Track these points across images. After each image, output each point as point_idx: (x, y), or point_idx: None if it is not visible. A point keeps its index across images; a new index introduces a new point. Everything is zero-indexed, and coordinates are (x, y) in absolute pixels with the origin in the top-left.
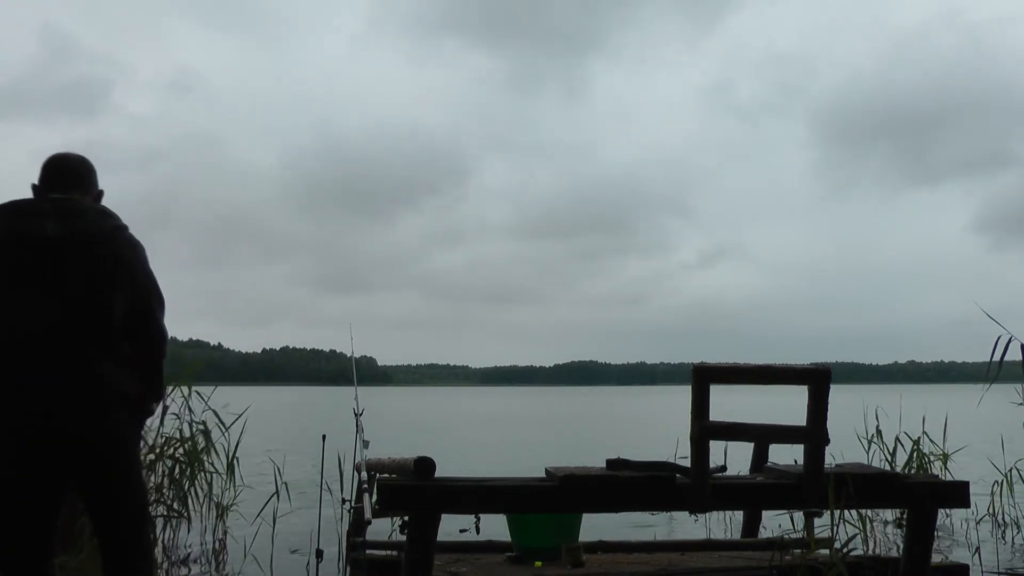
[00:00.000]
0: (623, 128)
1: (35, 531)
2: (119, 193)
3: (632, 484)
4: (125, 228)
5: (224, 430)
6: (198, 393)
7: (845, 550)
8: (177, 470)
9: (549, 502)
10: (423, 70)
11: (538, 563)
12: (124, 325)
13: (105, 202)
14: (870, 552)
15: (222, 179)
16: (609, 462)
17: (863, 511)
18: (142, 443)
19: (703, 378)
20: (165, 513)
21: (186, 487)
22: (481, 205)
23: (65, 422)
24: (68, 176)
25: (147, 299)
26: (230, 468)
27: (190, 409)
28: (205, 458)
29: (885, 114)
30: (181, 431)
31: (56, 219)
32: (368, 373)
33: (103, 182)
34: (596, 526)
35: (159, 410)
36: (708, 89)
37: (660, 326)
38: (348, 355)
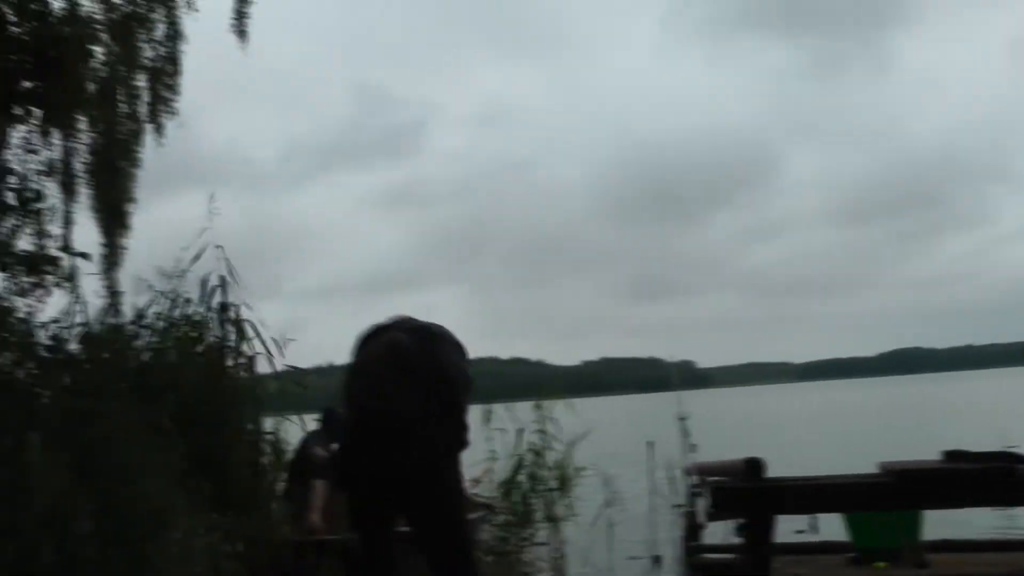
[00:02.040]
0: (933, 97)
1: None
2: (439, 225)
3: (975, 477)
4: None
5: (551, 443)
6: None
7: None
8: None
9: (885, 499)
10: (722, 70)
11: (880, 564)
12: None
13: (428, 233)
14: None
15: (532, 200)
16: (946, 454)
17: None
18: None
19: None
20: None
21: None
22: (792, 196)
23: None
24: None
25: None
26: (564, 480)
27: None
28: (541, 471)
29: None
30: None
31: None
32: (688, 376)
33: (422, 218)
34: (939, 523)
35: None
36: (1021, 39)
37: (986, 304)
38: (667, 360)
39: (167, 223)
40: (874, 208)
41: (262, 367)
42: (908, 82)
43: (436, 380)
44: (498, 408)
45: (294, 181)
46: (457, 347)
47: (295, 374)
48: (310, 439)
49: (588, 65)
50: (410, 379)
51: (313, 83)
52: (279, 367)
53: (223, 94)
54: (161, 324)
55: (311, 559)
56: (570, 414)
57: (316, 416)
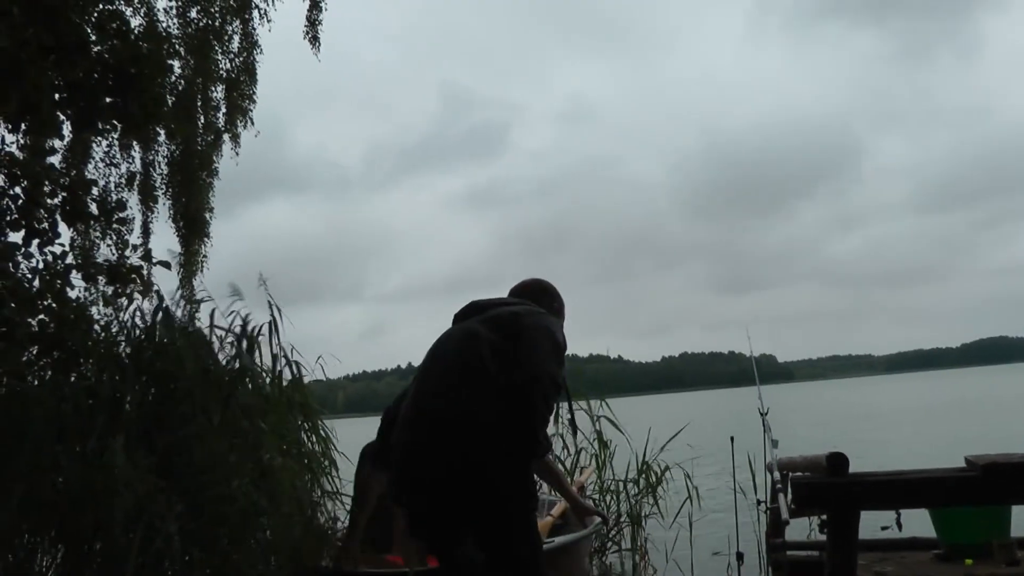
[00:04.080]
0: (1022, 80)
1: None
2: (521, 225)
3: None
4: None
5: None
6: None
7: None
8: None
9: (971, 494)
10: (807, 59)
11: (968, 561)
12: None
13: (511, 233)
14: None
15: (615, 197)
16: None
17: None
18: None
19: None
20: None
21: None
22: (877, 186)
23: None
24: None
25: None
26: (649, 479)
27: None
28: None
29: None
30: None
31: None
32: (769, 371)
33: (506, 218)
34: None
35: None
36: None
37: None
38: (748, 355)
39: (258, 228)
40: (959, 196)
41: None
42: (996, 65)
43: (513, 382)
44: (578, 405)
45: (379, 184)
46: (548, 340)
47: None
48: (366, 451)
49: (671, 60)
50: (480, 377)
51: (398, 86)
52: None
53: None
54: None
55: None
56: (649, 411)
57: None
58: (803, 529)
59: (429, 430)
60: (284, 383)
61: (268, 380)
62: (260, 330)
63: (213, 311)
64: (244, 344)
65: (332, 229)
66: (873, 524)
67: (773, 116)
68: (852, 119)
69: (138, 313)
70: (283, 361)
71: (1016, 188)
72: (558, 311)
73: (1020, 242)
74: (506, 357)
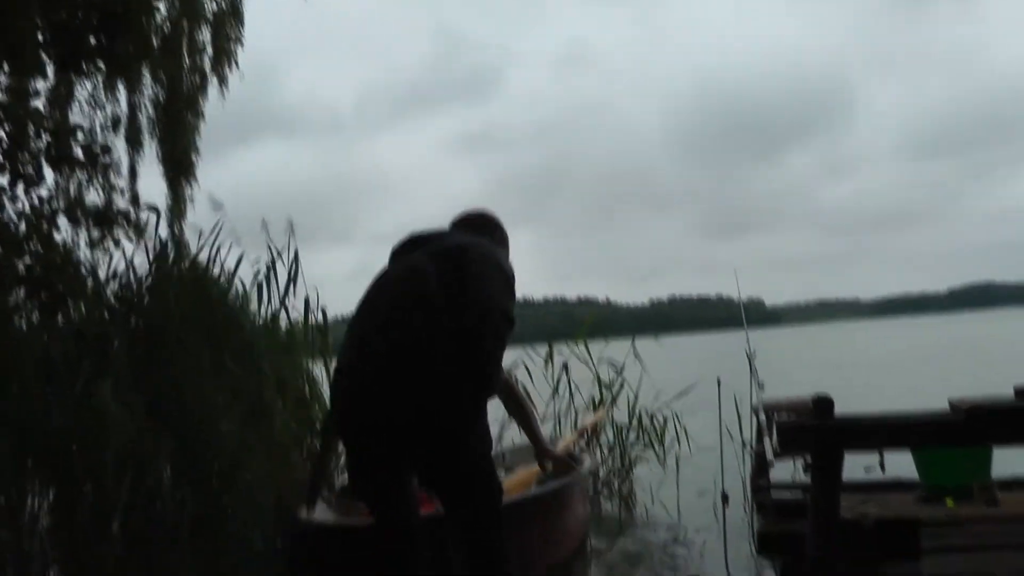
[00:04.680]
0: (1018, 25)
1: None
2: (515, 168)
3: None
4: None
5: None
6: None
7: None
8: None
9: (955, 436)
10: (804, 5)
11: (950, 502)
12: None
13: (504, 177)
14: None
15: (610, 143)
16: (1018, 390)
17: None
18: None
19: None
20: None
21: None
22: (869, 131)
23: None
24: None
25: None
26: (635, 418)
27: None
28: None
29: None
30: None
31: None
32: (757, 315)
33: (499, 161)
34: (1011, 462)
35: None
36: None
37: None
38: (736, 299)
39: (251, 172)
40: (952, 142)
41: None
42: (996, 9)
43: (462, 317)
44: (563, 348)
45: (373, 127)
46: (498, 274)
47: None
48: None
49: (676, 10)
50: (427, 314)
51: (392, 29)
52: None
53: (302, 46)
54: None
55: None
56: (639, 354)
57: None
58: (788, 471)
59: (375, 372)
60: (287, 325)
61: (263, 320)
62: (261, 273)
63: (200, 248)
64: (239, 286)
65: (325, 172)
66: (857, 466)
67: (767, 63)
68: (846, 64)
69: (128, 255)
70: (292, 303)
71: (1009, 135)
72: (502, 242)
73: (1011, 188)
74: (453, 292)
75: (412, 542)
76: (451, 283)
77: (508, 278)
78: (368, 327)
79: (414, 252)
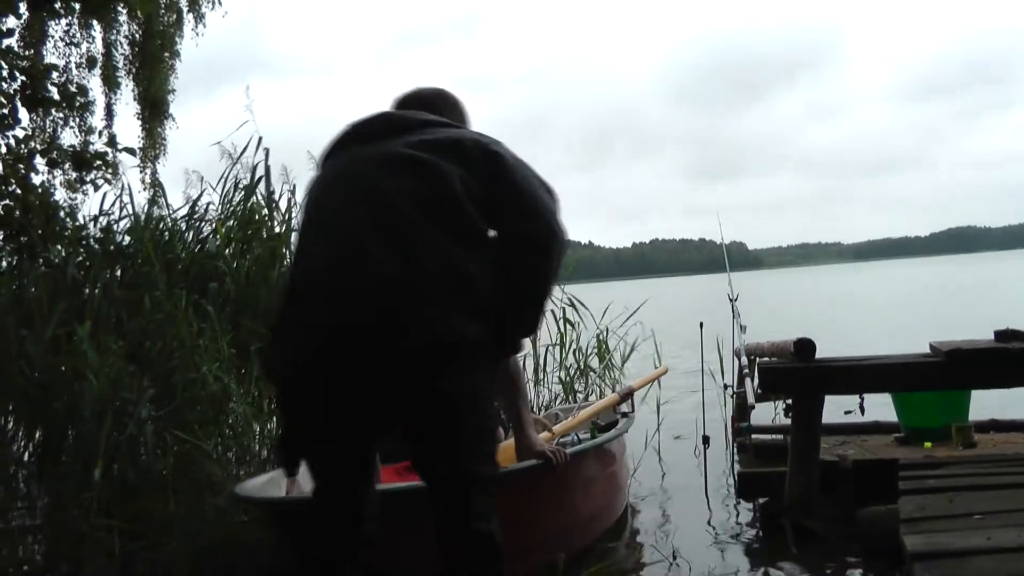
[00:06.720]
0: None
1: None
2: (500, 111)
3: None
4: None
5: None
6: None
7: None
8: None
9: (934, 379)
10: None
11: (927, 444)
12: None
13: (488, 121)
14: None
15: (595, 85)
16: (998, 333)
17: None
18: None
19: None
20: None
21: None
22: (859, 74)
23: None
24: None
25: None
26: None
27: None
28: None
29: None
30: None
31: None
32: (739, 259)
33: (484, 104)
34: (987, 404)
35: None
36: None
37: None
38: (718, 242)
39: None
40: (941, 86)
41: None
42: None
43: (516, 229)
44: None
45: (359, 68)
46: (536, 178)
47: None
48: None
49: None
50: (459, 224)
51: None
52: None
53: None
54: (210, 215)
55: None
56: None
57: None
58: (769, 413)
59: (376, 306)
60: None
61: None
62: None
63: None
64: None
65: (313, 114)
66: (837, 410)
67: (760, 5)
68: (838, 5)
69: (106, 198)
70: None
71: (994, 80)
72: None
73: (997, 134)
74: (483, 199)
75: (362, 523)
76: (476, 188)
77: (547, 184)
78: (350, 245)
79: (389, 140)
